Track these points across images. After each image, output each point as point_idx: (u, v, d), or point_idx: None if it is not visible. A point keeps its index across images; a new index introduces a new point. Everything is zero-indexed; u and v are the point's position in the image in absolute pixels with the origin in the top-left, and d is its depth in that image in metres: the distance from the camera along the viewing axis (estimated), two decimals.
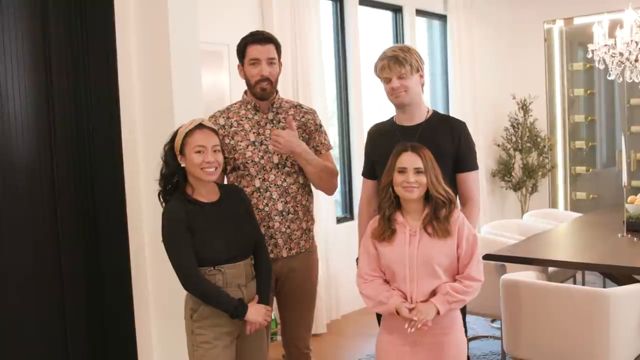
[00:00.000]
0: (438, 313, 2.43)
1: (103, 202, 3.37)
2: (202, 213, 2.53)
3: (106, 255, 3.39)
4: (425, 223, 2.49)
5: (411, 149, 2.52)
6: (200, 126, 2.55)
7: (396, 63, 2.81)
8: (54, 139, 3.21)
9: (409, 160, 2.50)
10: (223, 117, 2.92)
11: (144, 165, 3.32)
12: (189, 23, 3.33)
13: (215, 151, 2.55)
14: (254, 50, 2.86)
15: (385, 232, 2.53)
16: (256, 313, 2.56)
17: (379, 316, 2.82)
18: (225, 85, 4.49)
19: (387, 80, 2.87)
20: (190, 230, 2.49)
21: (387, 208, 2.55)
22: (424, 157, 2.50)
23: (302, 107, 3.04)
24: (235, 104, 3.00)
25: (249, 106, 2.94)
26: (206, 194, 2.59)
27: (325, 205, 4.96)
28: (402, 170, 2.49)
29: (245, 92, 2.99)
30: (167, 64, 3.23)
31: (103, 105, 3.35)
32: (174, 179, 2.57)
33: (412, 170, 2.48)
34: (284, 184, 2.89)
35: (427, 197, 2.51)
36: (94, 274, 3.37)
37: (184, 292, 2.59)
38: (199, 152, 2.51)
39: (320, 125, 3.05)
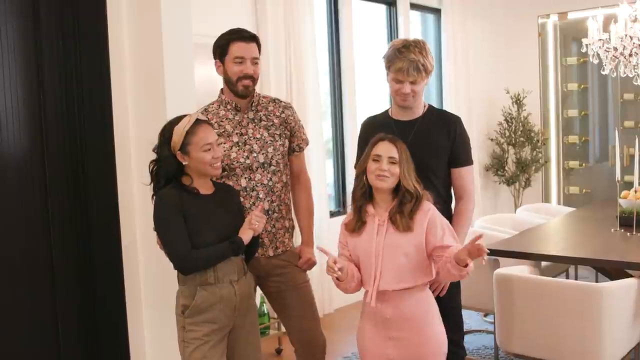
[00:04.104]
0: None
1: (95, 197, 3.35)
2: (197, 201, 2.52)
3: (98, 249, 3.38)
4: (392, 214, 2.50)
5: (388, 140, 2.54)
6: (198, 121, 2.52)
7: (415, 70, 2.73)
8: (45, 133, 3.18)
9: (385, 148, 2.52)
10: None
11: (135, 159, 3.30)
12: (182, 15, 3.31)
13: (218, 145, 2.56)
14: (239, 49, 2.81)
15: (357, 223, 2.56)
16: (246, 232, 2.55)
17: None
18: (218, 79, 4.45)
19: (398, 82, 2.79)
20: (184, 217, 2.46)
21: (359, 198, 2.57)
22: (400, 148, 2.52)
23: (281, 102, 3.01)
24: (213, 104, 2.94)
25: (228, 106, 2.89)
26: (203, 186, 2.57)
27: (318, 199, 4.94)
28: (377, 159, 2.51)
29: (222, 91, 2.94)
30: (159, 56, 3.21)
31: (95, 99, 3.33)
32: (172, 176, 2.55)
33: (386, 159, 2.50)
34: (270, 183, 2.88)
35: (397, 191, 2.52)
36: (86, 267, 3.35)
37: (176, 286, 2.58)
38: (209, 150, 2.50)
39: (299, 120, 3.04)
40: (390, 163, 2.49)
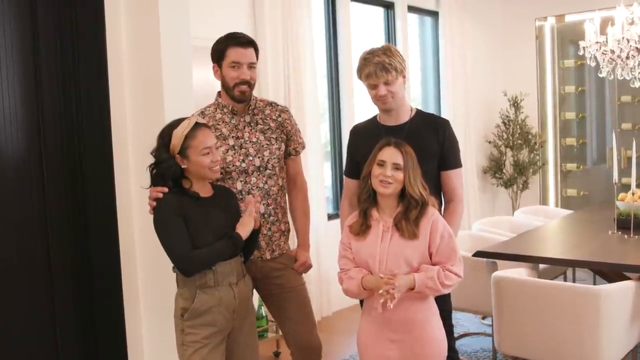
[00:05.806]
0: (412, 289, 2.42)
1: (93, 197, 3.34)
2: (197, 205, 2.52)
3: (96, 249, 3.37)
4: (397, 221, 2.49)
5: (394, 145, 2.53)
6: (197, 125, 2.52)
7: (383, 70, 2.78)
8: (43, 133, 3.17)
9: (390, 154, 2.50)
10: None
11: (133, 159, 3.29)
12: (181, 17, 3.30)
13: (217, 148, 2.56)
14: (235, 53, 2.81)
15: (362, 226, 2.54)
16: (245, 228, 2.55)
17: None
18: (216, 81, 4.45)
19: (372, 87, 2.85)
20: (184, 220, 2.46)
21: (364, 201, 2.56)
22: (405, 154, 2.51)
23: (278, 106, 3.02)
24: (210, 107, 2.94)
25: (225, 110, 2.90)
26: (202, 189, 2.57)
27: (316, 203, 4.95)
28: (381, 164, 2.50)
29: (219, 94, 2.95)
30: (157, 58, 3.20)
31: (93, 99, 3.32)
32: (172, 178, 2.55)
33: (391, 165, 2.48)
34: (266, 187, 2.88)
35: (403, 196, 2.51)
36: (84, 268, 3.34)
37: (174, 286, 2.57)
38: (207, 153, 2.50)
39: (296, 124, 3.05)
40: (394, 169, 2.48)
